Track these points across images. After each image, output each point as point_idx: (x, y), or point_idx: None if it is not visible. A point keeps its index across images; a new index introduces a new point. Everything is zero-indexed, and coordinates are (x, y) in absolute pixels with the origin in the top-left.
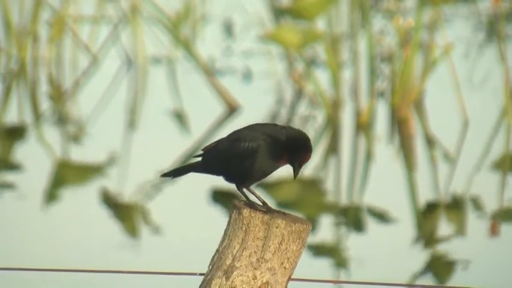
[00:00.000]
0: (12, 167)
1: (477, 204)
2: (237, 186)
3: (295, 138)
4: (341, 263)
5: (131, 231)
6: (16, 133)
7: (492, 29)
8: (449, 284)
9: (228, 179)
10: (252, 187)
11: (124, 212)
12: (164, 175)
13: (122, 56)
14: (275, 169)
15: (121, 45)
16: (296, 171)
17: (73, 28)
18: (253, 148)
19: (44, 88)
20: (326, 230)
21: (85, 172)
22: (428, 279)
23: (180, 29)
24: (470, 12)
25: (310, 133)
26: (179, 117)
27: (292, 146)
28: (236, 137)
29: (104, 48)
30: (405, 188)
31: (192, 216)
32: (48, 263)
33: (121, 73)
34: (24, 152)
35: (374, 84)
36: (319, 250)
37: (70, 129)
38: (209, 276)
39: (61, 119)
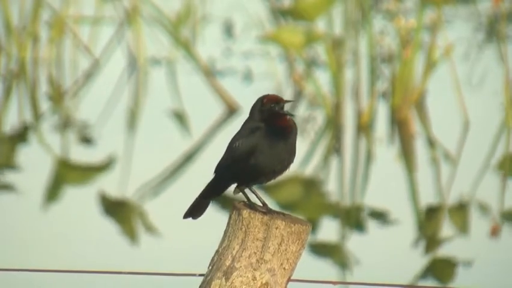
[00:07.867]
0: (13, 167)
1: (478, 205)
2: (238, 186)
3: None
4: (341, 264)
5: (131, 232)
6: (16, 134)
7: (492, 30)
8: (450, 285)
9: (242, 180)
10: (254, 187)
11: (124, 213)
12: (186, 216)
13: (122, 57)
14: (285, 148)
15: (121, 46)
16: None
17: (73, 29)
18: (254, 138)
19: (44, 89)
20: (326, 231)
21: (85, 173)
22: (430, 281)
23: (180, 30)
24: (470, 13)
25: (311, 134)
26: (180, 118)
27: (267, 111)
28: (234, 139)
29: (104, 49)
30: (406, 189)
31: None
32: (48, 263)
33: (122, 74)
34: (24, 152)
35: (375, 85)
36: (319, 251)
37: (70, 130)
38: (209, 277)
39: (61, 120)
